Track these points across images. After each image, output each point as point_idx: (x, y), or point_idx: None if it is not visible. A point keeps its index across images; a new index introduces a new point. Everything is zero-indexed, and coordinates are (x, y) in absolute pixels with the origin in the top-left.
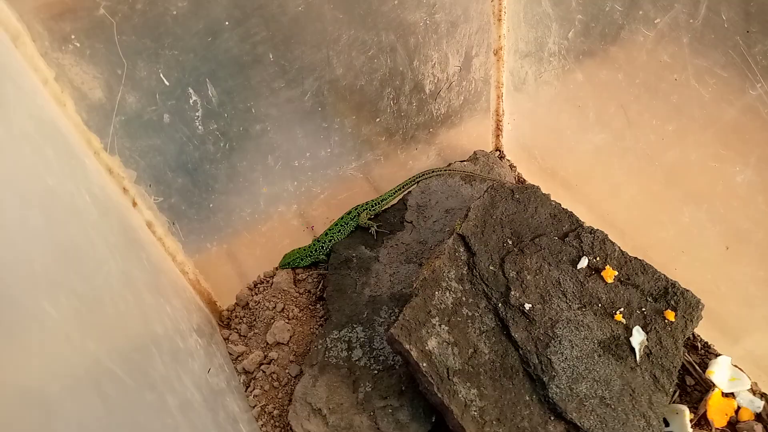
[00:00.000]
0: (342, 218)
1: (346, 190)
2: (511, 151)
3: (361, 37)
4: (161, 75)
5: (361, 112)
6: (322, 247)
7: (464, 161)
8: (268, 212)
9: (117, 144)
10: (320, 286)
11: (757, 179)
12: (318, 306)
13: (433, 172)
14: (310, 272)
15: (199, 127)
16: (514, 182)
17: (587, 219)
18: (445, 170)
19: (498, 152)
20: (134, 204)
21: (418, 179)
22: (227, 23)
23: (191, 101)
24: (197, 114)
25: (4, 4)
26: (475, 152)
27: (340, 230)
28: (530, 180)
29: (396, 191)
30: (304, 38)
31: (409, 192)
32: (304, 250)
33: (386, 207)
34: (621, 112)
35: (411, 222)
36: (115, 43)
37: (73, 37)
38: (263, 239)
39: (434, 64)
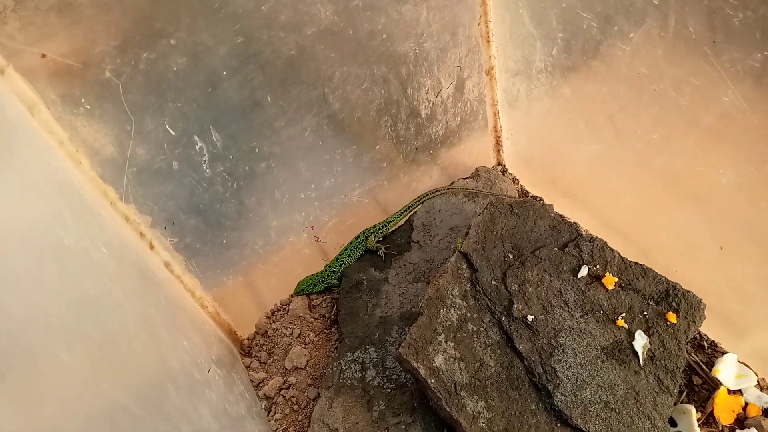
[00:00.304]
0: (351, 243)
1: (353, 216)
2: (513, 165)
3: (354, 72)
4: (167, 126)
5: (361, 141)
6: (334, 271)
7: (467, 178)
8: (279, 243)
9: (131, 193)
10: (334, 309)
11: (739, 180)
12: (333, 329)
13: (436, 191)
14: (324, 297)
15: (207, 170)
16: (517, 195)
17: (591, 225)
18: (448, 189)
19: (501, 166)
20: (151, 247)
21: (422, 200)
22: (225, 73)
23: (197, 147)
24: (204, 159)
25: (20, 78)
26: (477, 169)
27: (350, 254)
28: (533, 191)
29: (402, 213)
30: (299, 79)
31: (415, 212)
32: (317, 276)
33: (393, 228)
34: (609, 123)
35: (417, 242)
36: (122, 101)
37: (83, 100)
38: (277, 269)
39: (428, 89)
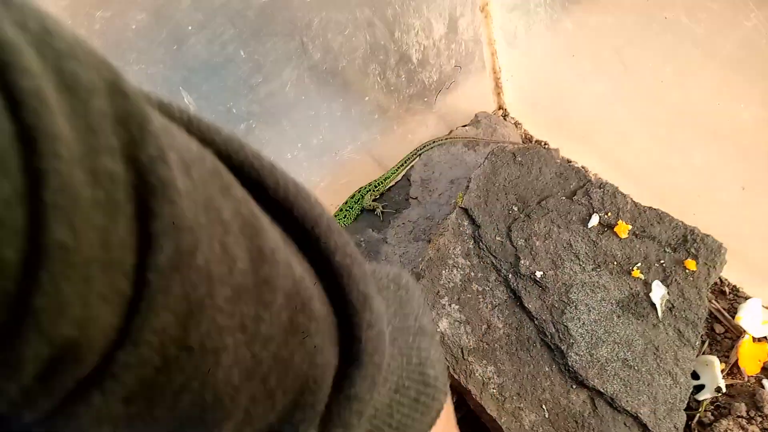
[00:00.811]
0: (346, 203)
1: (346, 175)
2: (514, 108)
3: (333, 18)
4: None
5: (348, 93)
6: None
7: (466, 126)
8: None
9: None
10: None
11: (763, 114)
12: None
13: (433, 142)
14: None
15: None
16: (521, 140)
17: (600, 170)
18: (446, 139)
19: (502, 110)
20: None
21: (419, 152)
22: (191, 28)
23: None
24: None
25: None
26: (476, 115)
27: (345, 215)
28: (537, 136)
29: (398, 168)
30: (274, 29)
31: (412, 166)
32: None
33: (390, 185)
34: (616, 58)
35: (416, 198)
36: None
37: None
38: None
39: (417, 31)
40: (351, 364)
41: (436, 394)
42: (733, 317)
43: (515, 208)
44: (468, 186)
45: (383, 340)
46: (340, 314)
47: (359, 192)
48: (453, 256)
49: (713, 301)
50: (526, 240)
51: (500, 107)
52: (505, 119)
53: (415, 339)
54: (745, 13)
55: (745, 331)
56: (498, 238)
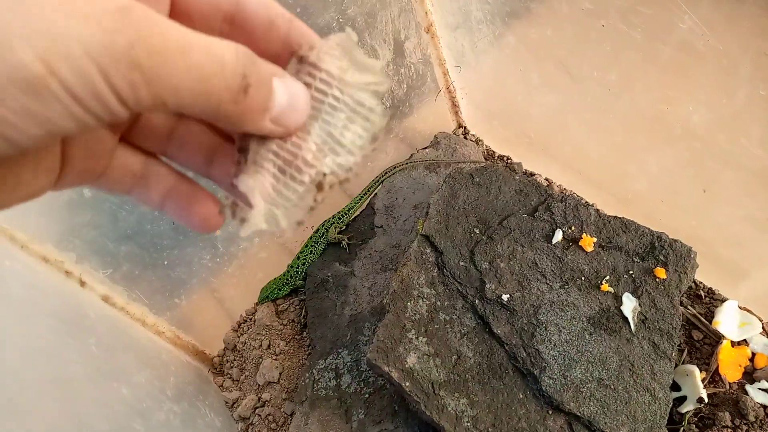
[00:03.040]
0: (311, 238)
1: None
2: (474, 125)
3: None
4: None
5: None
6: (297, 272)
7: (426, 148)
8: (230, 252)
9: (45, 231)
10: (303, 313)
11: (712, 116)
12: (304, 334)
13: (394, 168)
14: (291, 300)
15: None
16: (483, 157)
17: (564, 180)
18: (407, 163)
19: (462, 129)
20: (82, 284)
21: (381, 179)
22: None
23: None
24: None
25: None
26: (435, 136)
27: (311, 251)
28: (499, 151)
29: (362, 197)
30: None
31: (375, 194)
32: (280, 279)
33: (355, 215)
34: (561, 69)
35: (381, 226)
36: None
37: None
38: (234, 279)
39: None
40: None
41: None
42: (711, 322)
43: (477, 231)
44: (428, 212)
45: None
46: None
47: (323, 225)
48: (417, 285)
49: (689, 306)
50: (490, 263)
51: (460, 125)
52: (465, 137)
53: None
54: (678, 15)
55: (723, 336)
56: (462, 263)
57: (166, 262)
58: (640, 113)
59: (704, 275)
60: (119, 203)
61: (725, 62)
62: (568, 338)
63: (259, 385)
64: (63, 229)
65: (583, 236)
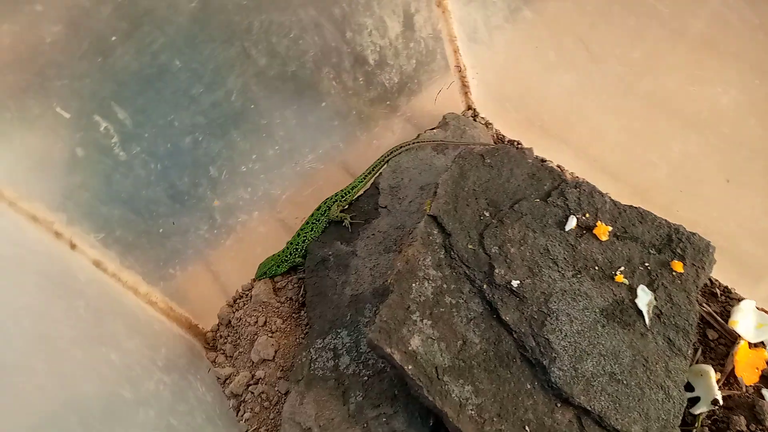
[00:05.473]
0: (312, 215)
1: (309, 185)
2: (484, 107)
3: (275, 20)
4: (57, 109)
5: (302, 99)
6: (297, 249)
7: (434, 129)
8: (228, 225)
9: (36, 190)
10: (301, 291)
11: (744, 98)
12: (302, 313)
13: (401, 147)
14: (290, 278)
15: (121, 153)
16: (492, 141)
17: (576, 167)
18: (414, 143)
19: (471, 111)
20: (73, 246)
21: (387, 158)
22: (115, 38)
23: (102, 129)
24: (113, 140)
25: None
26: (444, 116)
27: (312, 228)
28: (509, 135)
29: (366, 176)
30: (210, 35)
31: (380, 174)
32: (279, 255)
33: (358, 194)
34: (580, 46)
35: (385, 206)
36: None
37: None
38: (232, 252)
39: (370, 31)
40: None
41: None
42: (726, 321)
43: (487, 214)
44: (436, 192)
45: None
46: None
47: (325, 203)
48: (423, 267)
49: (704, 304)
50: (500, 247)
51: (469, 107)
52: (474, 119)
53: None
54: None
55: (740, 336)
56: (470, 246)
57: (161, 230)
58: (665, 94)
59: (721, 272)
60: (113, 164)
61: (761, 37)
62: (579, 329)
63: (253, 363)
64: (54, 189)
65: (597, 224)
